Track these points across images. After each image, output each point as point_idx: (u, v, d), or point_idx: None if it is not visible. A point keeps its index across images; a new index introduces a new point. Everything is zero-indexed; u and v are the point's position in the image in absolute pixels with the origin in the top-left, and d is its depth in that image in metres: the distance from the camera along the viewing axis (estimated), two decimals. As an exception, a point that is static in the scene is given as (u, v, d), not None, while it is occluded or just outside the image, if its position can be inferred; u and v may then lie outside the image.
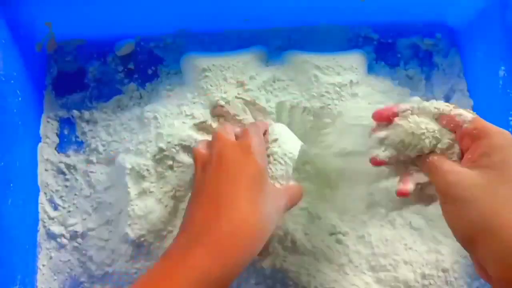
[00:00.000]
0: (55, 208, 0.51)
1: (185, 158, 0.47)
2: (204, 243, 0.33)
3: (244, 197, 0.35)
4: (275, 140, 0.42)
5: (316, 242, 0.47)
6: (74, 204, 0.50)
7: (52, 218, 0.50)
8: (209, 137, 0.49)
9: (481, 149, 0.33)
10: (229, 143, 0.39)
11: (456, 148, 0.36)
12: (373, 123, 0.41)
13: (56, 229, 0.49)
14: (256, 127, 0.41)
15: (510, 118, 0.48)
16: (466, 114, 0.35)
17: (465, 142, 0.35)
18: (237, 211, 0.34)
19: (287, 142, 0.42)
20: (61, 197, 0.51)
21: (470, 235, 0.32)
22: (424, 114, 0.38)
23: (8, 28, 0.47)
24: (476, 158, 0.33)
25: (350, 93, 0.50)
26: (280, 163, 0.40)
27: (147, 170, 0.47)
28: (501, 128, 0.34)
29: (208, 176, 0.37)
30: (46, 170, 0.51)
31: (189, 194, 0.46)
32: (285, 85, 0.51)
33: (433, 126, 0.37)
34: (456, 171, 0.33)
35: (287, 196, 0.39)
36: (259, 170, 0.37)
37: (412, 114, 0.38)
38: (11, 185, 0.45)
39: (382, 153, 0.38)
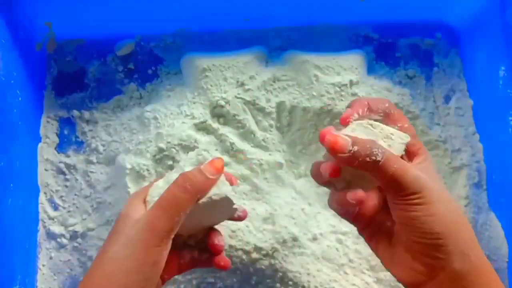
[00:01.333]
0: (55, 208, 0.51)
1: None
2: None
3: None
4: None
5: (316, 242, 0.47)
6: (74, 204, 0.50)
7: (52, 218, 0.50)
8: (209, 137, 0.49)
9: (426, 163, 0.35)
10: None
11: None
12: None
13: (56, 229, 0.49)
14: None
15: (510, 118, 0.48)
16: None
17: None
18: None
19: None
20: (61, 197, 0.51)
21: (440, 231, 0.32)
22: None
23: (8, 28, 0.47)
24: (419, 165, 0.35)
25: (350, 93, 0.50)
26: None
27: (147, 170, 0.47)
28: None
29: None
30: (46, 170, 0.51)
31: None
32: (285, 85, 0.51)
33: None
34: (420, 175, 0.34)
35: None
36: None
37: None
38: (11, 185, 0.45)
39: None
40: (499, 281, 0.33)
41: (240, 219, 0.41)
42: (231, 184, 0.38)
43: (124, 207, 0.37)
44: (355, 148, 0.32)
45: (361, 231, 0.37)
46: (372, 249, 0.37)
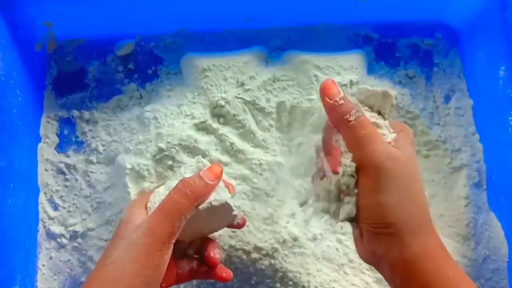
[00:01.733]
0: (55, 208, 0.51)
1: (185, 158, 0.47)
2: None
3: None
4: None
5: (316, 242, 0.47)
6: (74, 204, 0.50)
7: (52, 218, 0.50)
8: (209, 137, 0.49)
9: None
10: None
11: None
12: None
13: (56, 229, 0.49)
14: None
15: (510, 118, 0.48)
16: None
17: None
18: None
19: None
20: (61, 197, 0.51)
21: (391, 221, 0.32)
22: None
23: (8, 28, 0.47)
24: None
25: (350, 93, 0.50)
26: None
27: (147, 170, 0.47)
28: None
29: None
30: (46, 170, 0.51)
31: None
32: (285, 85, 0.51)
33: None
34: (389, 155, 0.34)
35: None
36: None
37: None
38: (11, 185, 0.45)
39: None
40: (448, 265, 0.33)
41: (239, 226, 0.41)
42: (230, 192, 0.38)
43: (125, 214, 0.38)
44: (341, 101, 0.35)
45: None
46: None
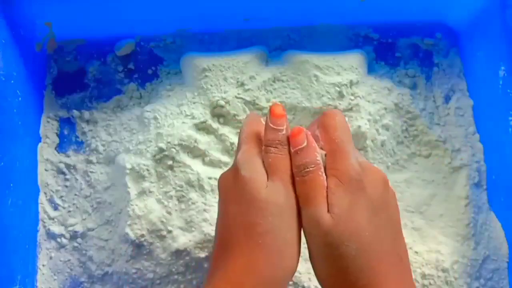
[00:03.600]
0: (55, 208, 0.51)
1: (185, 158, 0.47)
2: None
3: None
4: None
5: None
6: (74, 204, 0.50)
7: (52, 218, 0.50)
8: (209, 137, 0.49)
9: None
10: (223, 175, 0.36)
11: None
12: None
13: (56, 229, 0.49)
14: (245, 128, 0.37)
15: (510, 118, 0.48)
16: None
17: None
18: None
19: None
20: (61, 197, 0.51)
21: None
22: None
23: (8, 28, 0.47)
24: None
25: (350, 93, 0.50)
26: None
27: (147, 170, 0.47)
28: None
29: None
30: (46, 170, 0.51)
31: (190, 194, 0.47)
32: (285, 85, 0.51)
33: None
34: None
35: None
36: (244, 183, 0.33)
37: None
38: (11, 185, 0.45)
39: None
40: None
41: None
42: None
43: (244, 169, 0.34)
44: (300, 152, 0.33)
45: None
46: None
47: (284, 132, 0.35)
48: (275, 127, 0.34)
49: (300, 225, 0.33)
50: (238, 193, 0.33)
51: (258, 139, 0.36)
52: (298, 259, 0.33)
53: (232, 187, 0.34)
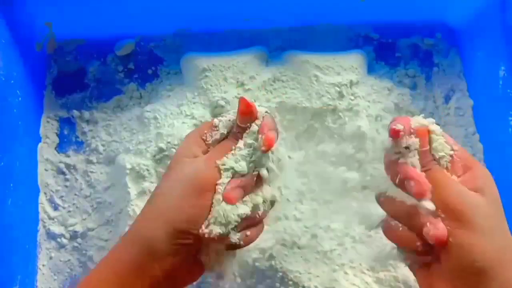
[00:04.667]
0: (55, 208, 0.51)
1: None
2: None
3: None
4: None
5: (316, 242, 0.47)
6: (74, 204, 0.50)
7: (52, 218, 0.50)
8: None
9: (477, 180, 0.35)
10: None
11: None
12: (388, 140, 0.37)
13: (56, 229, 0.49)
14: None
15: (510, 118, 0.48)
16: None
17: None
18: None
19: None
20: (61, 197, 0.51)
21: (481, 267, 0.31)
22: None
23: (8, 28, 0.47)
24: (473, 187, 0.34)
25: (350, 93, 0.50)
26: None
27: (147, 170, 0.47)
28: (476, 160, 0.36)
29: None
30: (46, 170, 0.51)
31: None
32: (285, 85, 0.51)
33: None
34: (471, 194, 0.33)
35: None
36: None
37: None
38: (11, 185, 0.45)
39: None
40: None
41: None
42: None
43: (181, 145, 0.39)
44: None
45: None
46: (414, 275, 0.36)
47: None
48: (242, 125, 0.37)
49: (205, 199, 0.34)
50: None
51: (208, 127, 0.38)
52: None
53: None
